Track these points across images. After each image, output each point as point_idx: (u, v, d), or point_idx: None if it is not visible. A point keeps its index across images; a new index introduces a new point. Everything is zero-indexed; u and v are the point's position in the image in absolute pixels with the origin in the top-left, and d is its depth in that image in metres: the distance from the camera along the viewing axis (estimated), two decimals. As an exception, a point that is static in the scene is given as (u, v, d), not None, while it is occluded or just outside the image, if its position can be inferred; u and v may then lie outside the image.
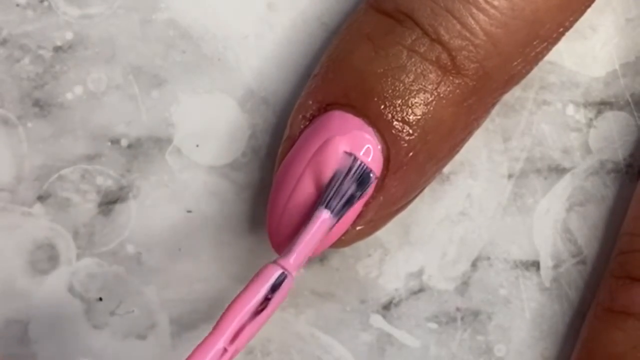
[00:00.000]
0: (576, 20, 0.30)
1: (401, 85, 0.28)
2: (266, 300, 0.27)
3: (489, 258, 0.32)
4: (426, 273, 0.32)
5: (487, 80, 0.29)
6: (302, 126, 0.29)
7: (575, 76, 0.32)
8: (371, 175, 0.28)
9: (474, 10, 0.28)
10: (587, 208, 0.32)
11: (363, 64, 0.28)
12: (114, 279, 0.32)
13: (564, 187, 0.32)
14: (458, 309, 0.32)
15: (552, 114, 0.32)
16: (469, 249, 0.32)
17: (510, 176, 0.32)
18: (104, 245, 0.32)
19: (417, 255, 0.32)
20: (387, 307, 0.32)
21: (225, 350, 0.26)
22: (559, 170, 0.32)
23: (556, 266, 0.32)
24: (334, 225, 0.28)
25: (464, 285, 0.32)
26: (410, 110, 0.28)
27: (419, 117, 0.28)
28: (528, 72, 0.30)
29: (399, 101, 0.28)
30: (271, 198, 0.29)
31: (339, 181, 0.28)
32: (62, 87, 0.32)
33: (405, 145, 0.28)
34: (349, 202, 0.28)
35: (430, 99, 0.28)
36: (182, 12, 0.32)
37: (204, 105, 0.32)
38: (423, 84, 0.28)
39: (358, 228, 0.29)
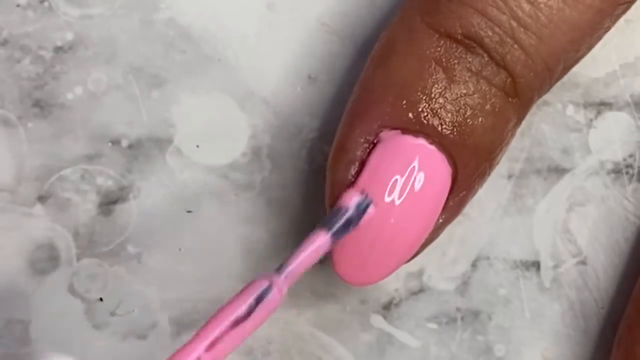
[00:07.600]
0: None
1: (476, 112, 0.28)
2: (250, 312, 0.26)
3: (488, 258, 0.32)
4: (426, 273, 0.32)
5: (535, 100, 0.30)
6: (367, 149, 0.29)
7: (575, 76, 0.32)
8: (371, 205, 0.28)
9: (539, 44, 0.28)
10: (587, 208, 0.32)
11: (438, 92, 0.28)
12: (115, 279, 0.32)
13: (563, 187, 0.32)
14: (458, 309, 0.32)
15: (551, 115, 0.32)
16: (469, 249, 0.32)
17: (510, 176, 0.32)
18: (104, 246, 0.32)
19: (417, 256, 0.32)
20: (387, 307, 0.32)
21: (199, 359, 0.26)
22: (558, 171, 0.32)
23: (556, 266, 0.32)
24: (329, 248, 0.28)
25: (464, 285, 0.32)
26: (482, 137, 0.28)
27: (488, 143, 0.29)
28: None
29: (472, 129, 0.28)
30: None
31: (344, 209, 0.28)
32: (62, 88, 0.32)
33: (474, 170, 0.29)
34: (347, 225, 0.28)
35: (499, 125, 0.29)
36: (182, 12, 0.32)
37: (204, 105, 0.32)
38: (492, 110, 0.28)
39: None
